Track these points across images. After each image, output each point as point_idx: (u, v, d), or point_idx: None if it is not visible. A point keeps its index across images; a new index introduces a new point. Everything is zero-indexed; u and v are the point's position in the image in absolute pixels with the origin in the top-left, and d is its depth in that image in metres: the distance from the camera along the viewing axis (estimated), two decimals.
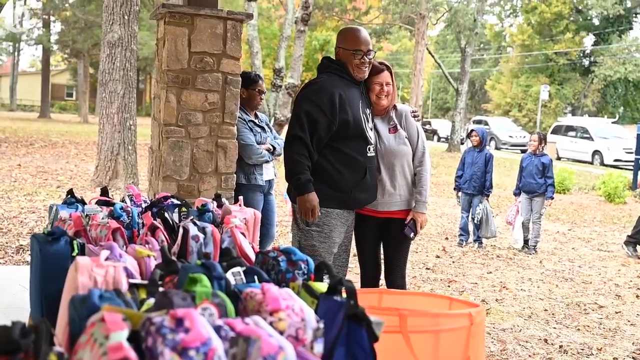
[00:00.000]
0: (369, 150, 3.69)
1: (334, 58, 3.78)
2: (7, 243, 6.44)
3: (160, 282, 1.69)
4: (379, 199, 3.87)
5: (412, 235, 3.91)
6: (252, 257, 2.16)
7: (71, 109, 53.03)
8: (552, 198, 7.90)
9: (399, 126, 3.88)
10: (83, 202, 2.95)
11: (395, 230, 3.93)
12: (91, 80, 41.37)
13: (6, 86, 54.98)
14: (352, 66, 3.66)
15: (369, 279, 4.05)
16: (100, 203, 2.91)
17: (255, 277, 1.80)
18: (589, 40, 44.28)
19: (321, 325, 1.47)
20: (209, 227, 2.25)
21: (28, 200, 9.02)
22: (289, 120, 3.69)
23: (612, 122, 28.85)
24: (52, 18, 39.28)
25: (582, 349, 4.50)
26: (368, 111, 3.76)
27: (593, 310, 5.52)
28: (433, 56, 27.93)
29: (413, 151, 3.90)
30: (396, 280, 4.00)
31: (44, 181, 11.20)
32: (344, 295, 1.60)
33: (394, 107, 3.94)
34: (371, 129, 3.75)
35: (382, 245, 4.06)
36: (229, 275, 1.76)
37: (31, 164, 13.72)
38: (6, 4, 27.29)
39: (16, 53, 51.49)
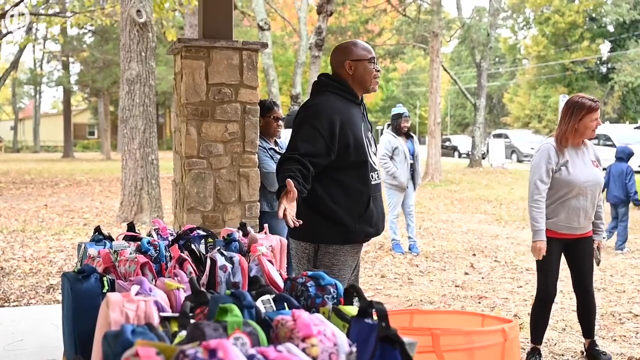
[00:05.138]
0: (373, 177, 3.26)
1: (335, 76, 3.36)
2: (37, 283, 6.51)
3: (191, 314, 1.69)
4: (581, 223, 4.20)
5: (599, 260, 4.42)
6: (281, 284, 2.16)
7: (94, 147, 53.74)
8: None
9: (597, 162, 4.25)
10: (110, 239, 2.97)
11: (585, 247, 4.35)
12: (112, 118, 41.99)
13: (29, 129, 55.95)
14: (369, 77, 3.28)
15: (553, 291, 4.47)
16: (127, 238, 2.94)
17: (285, 304, 1.80)
18: (605, 47, 44.00)
19: (354, 349, 1.46)
20: (236, 257, 2.26)
21: (56, 239, 9.12)
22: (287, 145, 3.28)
23: (635, 128, 28.54)
24: (71, 59, 40.08)
25: None
26: (370, 134, 3.35)
27: (628, 319, 5.42)
28: (449, 73, 27.93)
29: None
30: (589, 288, 4.47)
31: (70, 220, 11.33)
32: (375, 317, 1.60)
33: (584, 142, 4.25)
34: (375, 154, 3.35)
35: (569, 261, 4.44)
36: (258, 303, 1.76)
37: (57, 203, 13.89)
38: (25, 48, 27.81)
39: (37, 96, 52.54)
